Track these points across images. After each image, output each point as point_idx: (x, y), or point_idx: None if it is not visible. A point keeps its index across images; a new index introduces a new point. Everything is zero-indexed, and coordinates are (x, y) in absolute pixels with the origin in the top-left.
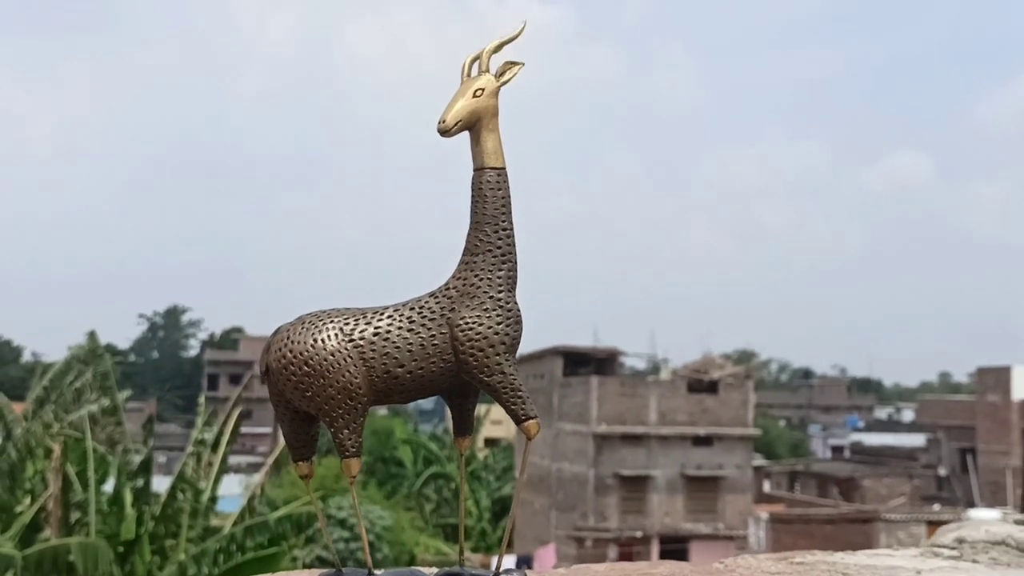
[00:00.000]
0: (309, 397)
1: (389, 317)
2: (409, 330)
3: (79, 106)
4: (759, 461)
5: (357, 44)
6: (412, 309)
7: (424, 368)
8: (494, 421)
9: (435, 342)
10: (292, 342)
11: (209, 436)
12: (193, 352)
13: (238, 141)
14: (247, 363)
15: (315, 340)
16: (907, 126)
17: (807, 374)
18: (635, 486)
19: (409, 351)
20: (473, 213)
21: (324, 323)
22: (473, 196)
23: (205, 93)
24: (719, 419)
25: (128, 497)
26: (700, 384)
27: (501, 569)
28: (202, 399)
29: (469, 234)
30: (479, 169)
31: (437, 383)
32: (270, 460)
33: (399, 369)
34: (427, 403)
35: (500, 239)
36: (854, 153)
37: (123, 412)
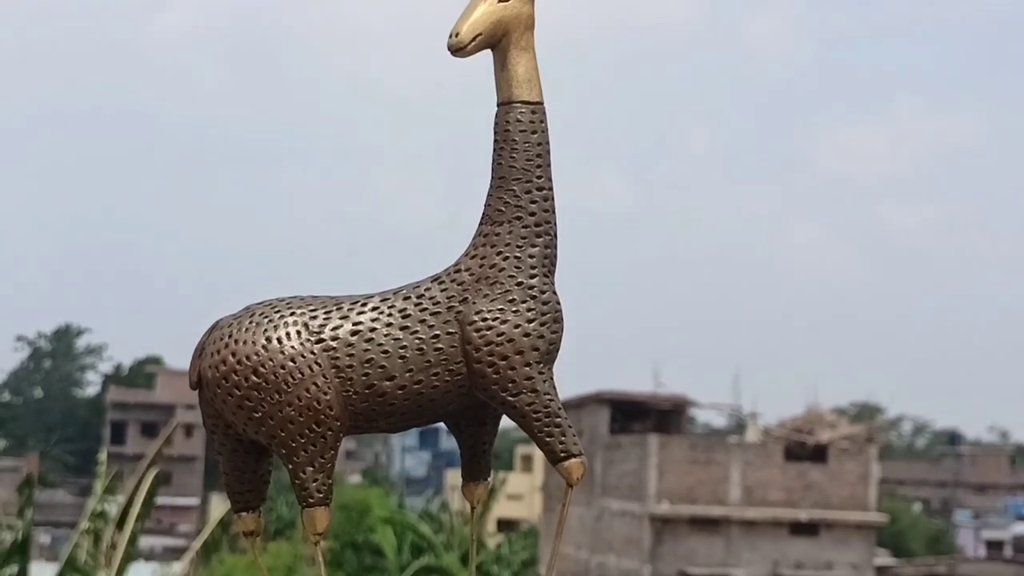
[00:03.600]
0: (259, 419)
1: (375, 310)
2: (402, 328)
3: None
4: (884, 559)
5: None
6: (407, 299)
7: (423, 381)
8: (511, 496)
9: (438, 345)
10: (236, 342)
11: (112, 508)
12: (91, 391)
13: (156, 102)
14: (166, 407)
15: (268, 340)
16: None
17: (954, 439)
18: None
19: (402, 357)
20: (497, 166)
21: (282, 317)
22: (497, 141)
23: (109, 37)
24: (828, 499)
25: None
26: (802, 449)
27: None
28: (103, 456)
29: (490, 195)
30: (506, 103)
31: (440, 403)
32: (196, 544)
33: (387, 383)
34: (418, 469)
35: (535, 202)
36: (1022, 128)
37: None
